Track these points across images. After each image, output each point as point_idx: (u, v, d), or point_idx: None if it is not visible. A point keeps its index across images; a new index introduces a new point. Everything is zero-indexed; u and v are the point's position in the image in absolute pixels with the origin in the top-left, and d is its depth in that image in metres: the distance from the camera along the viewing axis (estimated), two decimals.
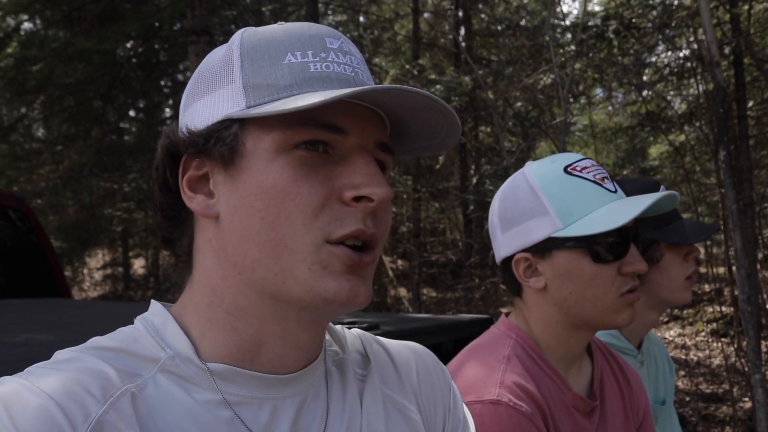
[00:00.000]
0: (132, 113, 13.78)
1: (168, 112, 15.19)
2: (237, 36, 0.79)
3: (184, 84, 12.63)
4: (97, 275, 16.85)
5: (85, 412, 0.64)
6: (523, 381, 1.26)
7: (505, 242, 1.36)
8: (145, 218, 14.86)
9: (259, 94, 0.73)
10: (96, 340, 0.75)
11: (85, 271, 16.53)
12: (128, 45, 10.95)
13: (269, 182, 0.71)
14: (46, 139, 12.66)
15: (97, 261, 17.12)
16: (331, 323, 0.89)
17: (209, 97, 0.77)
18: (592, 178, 1.30)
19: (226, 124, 0.74)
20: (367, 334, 0.94)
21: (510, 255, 1.35)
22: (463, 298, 11.25)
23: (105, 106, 10.11)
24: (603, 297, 1.28)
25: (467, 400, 1.18)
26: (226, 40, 0.82)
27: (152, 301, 0.82)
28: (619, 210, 1.25)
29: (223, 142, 0.73)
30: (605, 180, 1.32)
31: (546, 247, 1.30)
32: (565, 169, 1.31)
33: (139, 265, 17.59)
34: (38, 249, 4.91)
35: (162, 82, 12.84)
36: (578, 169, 1.31)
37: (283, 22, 0.81)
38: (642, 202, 1.25)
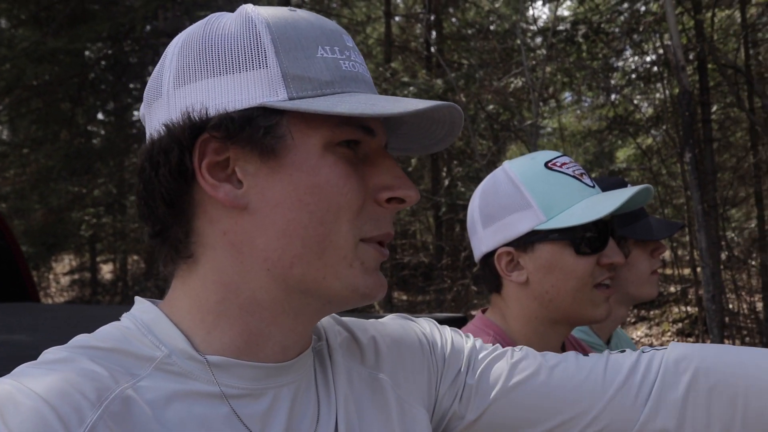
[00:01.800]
0: (101, 116, 13.60)
1: (137, 115, 15.02)
2: (255, 15, 0.74)
3: None
4: (64, 280, 16.56)
5: (80, 416, 0.62)
6: None
7: (486, 237, 1.37)
8: (113, 223, 14.68)
9: (301, 86, 0.70)
10: (85, 340, 0.71)
11: (51, 276, 16.24)
12: (97, 46, 10.81)
13: (323, 177, 0.71)
14: (12, 142, 12.42)
15: (63, 266, 16.82)
16: None
17: (234, 77, 0.71)
18: (572, 173, 1.33)
19: (261, 112, 0.70)
20: (330, 316, 0.92)
21: (492, 250, 1.36)
22: (434, 300, 11.31)
23: (74, 108, 9.96)
24: (582, 288, 1.30)
25: None
26: None
27: (137, 297, 0.79)
28: (600, 202, 1.27)
29: (269, 132, 0.70)
30: (583, 175, 1.35)
31: (529, 240, 1.31)
32: (546, 165, 1.33)
33: (107, 270, 17.33)
34: (7, 253, 4.85)
35: (132, 85, 12.69)
36: (558, 164, 1.33)
37: (293, 9, 0.77)
38: (622, 195, 1.28)
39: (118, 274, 16.52)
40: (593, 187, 1.34)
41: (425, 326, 0.97)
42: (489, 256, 1.38)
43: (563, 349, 1.52)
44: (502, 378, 0.91)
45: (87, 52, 10.97)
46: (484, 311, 1.47)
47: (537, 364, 0.92)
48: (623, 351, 0.93)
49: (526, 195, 1.31)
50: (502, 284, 1.38)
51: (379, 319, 0.97)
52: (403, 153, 0.86)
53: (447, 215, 10.72)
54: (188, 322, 0.74)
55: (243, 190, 0.71)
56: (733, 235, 10.22)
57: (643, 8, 9.73)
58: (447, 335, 0.97)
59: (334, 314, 0.91)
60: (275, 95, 0.70)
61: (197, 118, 0.70)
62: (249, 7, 0.76)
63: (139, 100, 14.34)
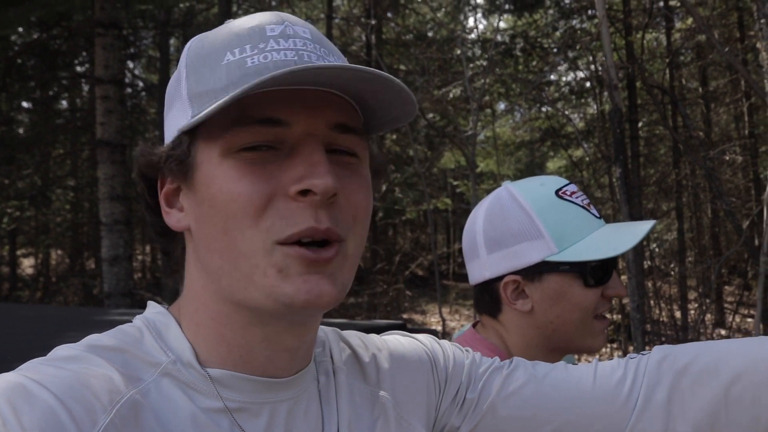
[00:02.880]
0: (26, 104, 13.03)
1: (65, 104, 14.47)
2: (188, 45, 0.77)
3: (84, 76, 12.10)
4: None
5: (93, 419, 0.62)
6: None
7: (491, 263, 1.33)
8: (37, 215, 14.07)
9: (201, 102, 0.70)
10: (96, 339, 0.72)
11: None
12: (23, 31, 10.35)
13: (216, 187, 0.68)
14: None
15: None
16: None
17: (169, 114, 0.76)
18: (581, 203, 1.31)
19: (180, 139, 0.72)
20: (333, 330, 0.91)
21: (497, 276, 1.32)
22: (366, 303, 11.36)
23: None
24: (584, 320, 1.29)
25: None
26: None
27: (150, 302, 0.80)
28: (614, 237, 1.26)
29: (177, 159, 0.72)
30: (590, 205, 1.33)
31: (537, 271, 1.28)
32: (557, 193, 1.31)
33: (27, 265, 16.61)
34: None
35: (60, 74, 12.21)
36: (568, 193, 1.32)
37: (230, 20, 0.77)
38: (638, 231, 1.27)
39: (40, 269, 15.86)
40: (599, 218, 1.34)
41: (426, 342, 0.97)
42: (491, 282, 1.34)
43: None
44: (495, 390, 0.91)
45: (13, 37, 10.49)
46: (474, 325, 1.45)
47: (528, 375, 0.93)
48: (611, 358, 0.95)
49: (538, 224, 1.28)
50: (502, 310, 1.35)
51: (382, 335, 0.97)
52: (386, 128, 0.81)
53: (383, 221, 10.80)
54: (188, 331, 0.75)
55: (184, 213, 0.74)
56: (655, 246, 10.70)
57: (579, 27, 10.09)
58: (448, 351, 0.96)
59: (337, 330, 0.92)
60: (186, 118, 0.71)
61: (142, 160, 0.76)
62: (195, 37, 0.79)
63: (67, 89, 13.86)
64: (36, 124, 12.29)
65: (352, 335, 0.93)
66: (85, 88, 13.85)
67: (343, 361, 0.86)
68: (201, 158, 0.71)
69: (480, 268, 1.36)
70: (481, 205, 1.40)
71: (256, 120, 0.67)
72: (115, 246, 7.62)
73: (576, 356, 2.18)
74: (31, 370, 0.64)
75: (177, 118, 0.73)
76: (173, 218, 0.75)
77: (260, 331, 0.73)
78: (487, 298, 1.36)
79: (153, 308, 0.79)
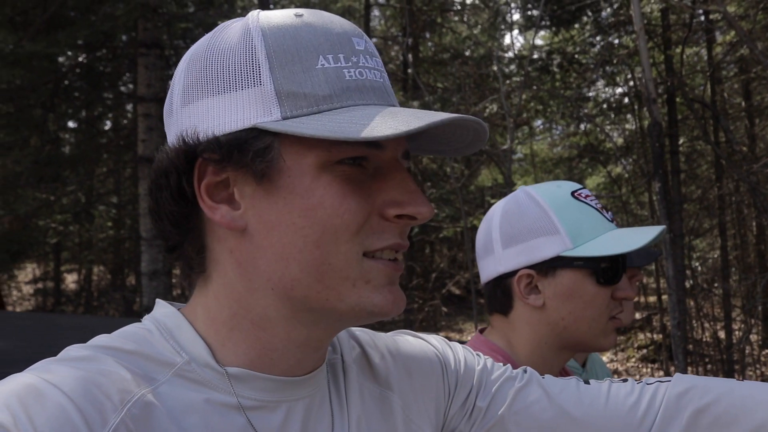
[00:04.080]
0: (72, 124, 13.42)
1: (108, 124, 14.86)
2: (254, 25, 0.71)
3: (128, 96, 12.43)
4: (26, 289, 16.18)
5: (103, 418, 0.62)
6: None
7: (505, 258, 1.35)
8: (80, 231, 14.43)
9: (296, 104, 0.67)
10: (107, 340, 0.70)
11: (13, 284, 15.86)
12: (71, 54, 10.68)
13: (315, 200, 0.67)
14: None
15: (26, 274, 16.45)
16: None
17: (229, 96, 0.69)
18: (595, 206, 1.35)
19: (255, 133, 0.67)
20: (344, 331, 0.90)
21: (510, 271, 1.35)
22: (404, 320, 11.32)
23: (46, 114, 9.81)
24: (598, 318, 1.31)
25: None
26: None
27: (158, 300, 0.78)
28: (627, 237, 1.30)
29: (260, 156, 0.68)
30: (603, 209, 1.38)
31: (552, 266, 1.31)
32: (572, 194, 1.35)
33: (71, 280, 17.00)
34: None
35: (105, 94, 12.56)
36: (582, 195, 1.35)
37: (300, 12, 0.74)
38: (648, 232, 1.32)
39: (83, 284, 16.21)
40: (612, 221, 1.37)
41: (437, 344, 0.96)
42: (505, 277, 1.36)
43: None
44: (507, 401, 0.90)
45: (61, 59, 10.84)
46: (482, 331, 1.45)
47: (541, 391, 0.92)
48: (625, 380, 0.94)
49: (554, 220, 1.31)
50: (513, 307, 1.37)
51: (391, 335, 0.96)
52: (435, 154, 0.83)
53: (419, 236, 10.78)
54: (207, 331, 0.73)
55: (241, 211, 0.70)
56: (697, 264, 10.46)
57: (616, 42, 10.00)
58: (459, 354, 0.96)
59: (348, 328, 0.90)
60: (269, 115, 0.67)
61: (190, 141, 0.69)
62: (252, 16, 0.73)
63: (111, 109, 14.24)
64: (81, 143, 12.64)
65: (362, 333, 0.92)
66: (129, 108, 14.21)
67: (353, 359, 0.86)
68: (290, 163, 0.68)
69: (494, 264, 1.38)
70: (497, 205, 1.43)
71: (363, 141, 0.68)
72: (154, 260, 7.77)
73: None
74: (42, 370, 0.64)
75: (248, 107, 0.68)
76: (222, 214, 0.70)
77: (305, 334, 0.73)
78: (499, 294, 1.38)
79: (162, 308, 0.76)
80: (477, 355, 0.97)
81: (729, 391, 0.88)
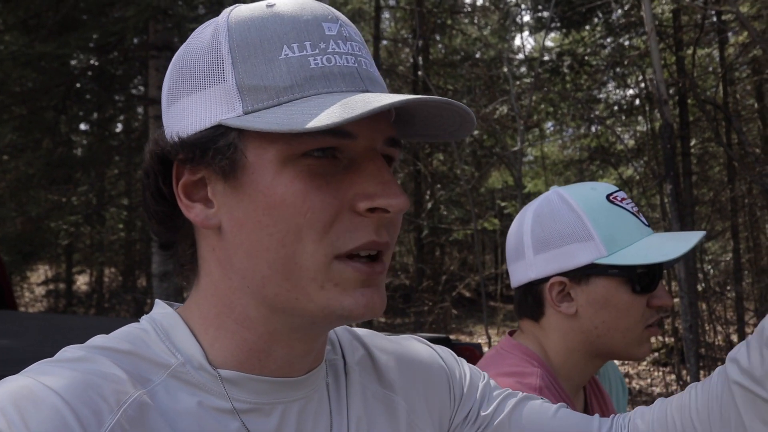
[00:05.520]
0: (84, 126, 13.50)
1: (120, 126, 14.94)
2: (222, 23, 0.70)
3: (139, 98, 12.50)
4: (38, 290, 16.30)
5: (99, 420, 0.61)
6: None
7: (537, 264, 1.32)
8: (91, 233, 14.51)
9: (257, 97, 0.66)
10: (103, 340, 0.70)
11: (25, 285, 15.98)
12: (82, 57, 10.76)
13: (278, 196, 0.65)
14: None
15: (38, 276, 16.57)
16: None
17: (196, 95, 0.69)
18: (631, 210, 1.30)
19: (221, 130, 0.67)
20: (345, 328, 0.90)
21: (542, 277, 1.31)
22: (414, 322, 11.31)
23: (58, 117, 9.88)
24: (633, 328, 1.28)
25: None
26: None
27: (157, 300, 0.77)
28: (664, 244, 1.25)
29: (221, 153, 0.67)
30: (639, 213, 1.32)
31: (585, 273, 1.27)
32: (608, 198, 1.30)
33: (82, 282, 17.10)
34: None
35: (116, 97, 12.64)
36: (618, 199, 1.31)
37: (272, 2, 0.71)
38: (689, 239, 1.26)
39: (94, 286, 16.31)
40: (648, 226, 1.32)
41: (444, 355, 0.95)
42: (536, 284, 1.33)
43: None
44: (507, 410, 0.93)
45: (73, 62, 10.92)
46: (511, 334, 1.42)
47: (540, 404, 0.96)
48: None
49: (588, 226, 1.27)
50: (545, 314, 1.33)
51: (397, 338, 0.95)
52: (428, 139, 0.81)
53: (428, 238, 10.76)
54: (199, 331, 0.73)
55: (214, 209, 0.69)
56: (709, 267, 10.39)
57: (627, 43, 9.96)
58: (465, 367, 0.96)
59: (351, 329, 0.90)
60: (232, 110, 0.66)
61: (161, 143, 0.70)
62: (225, 12, 0.72)
63: (123, 111, 14.31)
64: (92, 145, 12.72)
65: (367, 334, 0.91)
66: (140, 110, 14.29)
67: (356, 361, 0.85)
68: (253, 159, 0.66)
69: (525, 269, 1.34)
70: (528, 207, 1.38)
71: (329, 131, 0.65)
72: (165, 262, 7.79)
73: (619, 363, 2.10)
74: (37, 372, 0.64)
75: (212, 104, 0.68)
76: (196, 213, 0.70)
77: (287, 336, 0.72)
78: (530, 300, 1.34)
79: (160, 308, 0.76)
80: (480, 371, 0.98)
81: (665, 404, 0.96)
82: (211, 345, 0.72)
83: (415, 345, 0.94)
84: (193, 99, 0.69)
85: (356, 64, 0.69)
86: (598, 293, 1.27)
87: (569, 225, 1.28)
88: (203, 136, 0.67)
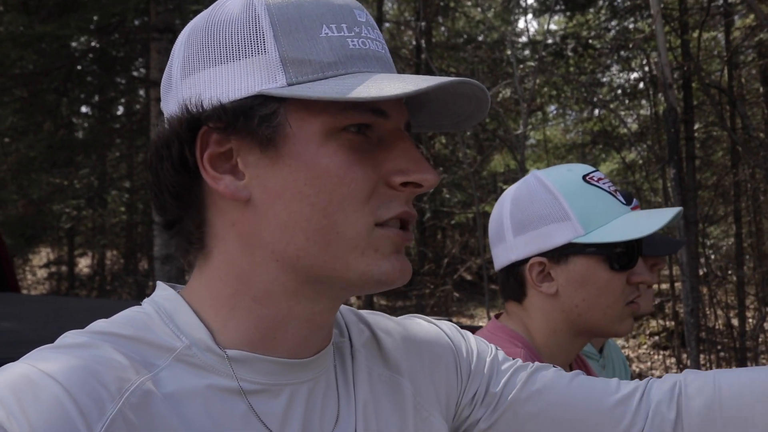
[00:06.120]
0: (85, 109, 13.47)
1: (121, 109, 14.90)
2: None
3: (140, 80, 12.44)
4: (41, 273, 16.36)
5: (100, 409, 0.60)
6: None
7: (517, 246, 1.34)
8: (93, 216, 14.53)
9: (301, 70, 0.67)
10: (105, 325, 0.69)
11: (28, 268, 16.03)
12: (83, 39, 10.71)
13: (322, 167, 0.67)
14: None
15: (40, 258, 16.62)
16: None
17: (233, 65, 0.69)
18: (608, 189, 1.33)
19: (260, 100, 0.67)
20: (350, 309, 0.90)
21: (522, 259, 1.34)
22: (415, 305, 11.34)
23: (59, 99, 9.85)
24: (613, 305, 1.30)
25: None
26: None
27: (159, 282, 0.76)
28: (639, 221, 1.27)
29: (265, 121, 0.67)
30: (617, 192, 1.34)
31: (563, 253, 1.30)
32: (584, 178, 1.33)
33: (84, 264, 17.15)
34: None
35: (118, 79, 12.59)
36: (595, 179, 1.33)
37: None
38: (663, 215, 1.28)
39: (96, 268, 16.36)
40: (626, 204, 1.34)
41: (449, 332, 0.95)
42: (517, 265, 1.35)
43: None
44: (518, 386, 0.91)
45: (74, 44, 10.86)
46: (497, 317, 1.44)
47: (552, 376, 0.94)
48: (664, 366, 0.98)
49: (564, 206, 1.29)
50: (527, 294, 1.36)
51: (402, 319, 0.95)
52: (434, 129, 0.83)
53: (431, 221, 10.76)
54: (207, 313, 0.72)
55: (245, 181, 0.69)
56: (711, 251, 10.39)
57: (631, 26, 9.88)
58: (471, 343, 0.95)
59: (356, 311, 0.90)
60: (274, 81, 0.67)
61: (194, 110, 0.69)
62: None
63: (124, 93, 14.27)
64: (94, 128, 12.69)
65: (372, 315, 0.91)
66: (141, 93, 14.24)
67: (362, 343, 0.85)
68: (296, 130, 0.67)
69: (506, 252, 1.37)
70: (508, 191, 1.41)
71: (369, 108, 0.68)
72: (167, 245, 7.79)
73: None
74: (38, 359, 0.63)
75: (252, 74, 0.68)
76: (226, 184, 0.69)
77: (308, 308, 0.72)
78: (512, 282, 1.37)
79: (162, 291, 0.75)
80: (487, 344, 0.97)
81: (712, 377, 0.92)
82: (224, 325, 0.71)
83: (420, 324, 0.94)
84: (228, 68, 0.69)
85: (384, 51, 0.73)
86: (576, 272, 1.30)
87: (546, 206, 1.31)
88: (243, 103, 0.67)
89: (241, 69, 0.68)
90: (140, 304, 0.74)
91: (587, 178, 1.33)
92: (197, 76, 0.70)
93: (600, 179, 1.34)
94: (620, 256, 1.29)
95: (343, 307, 0.88)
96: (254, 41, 0.69)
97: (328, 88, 0.65)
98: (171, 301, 0.73)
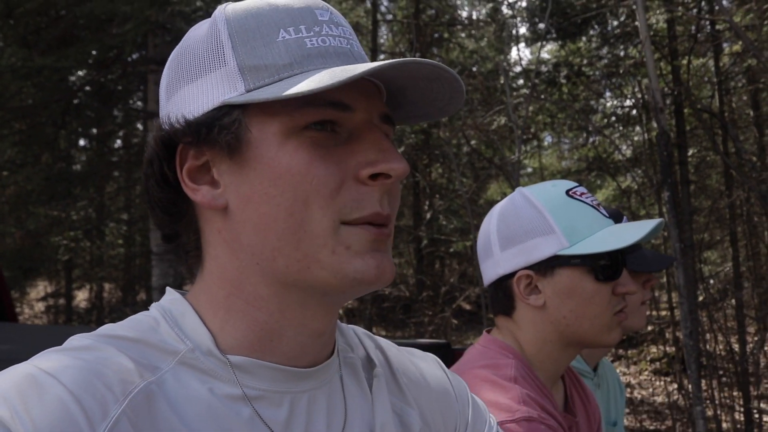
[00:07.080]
0: (83, 142, 13.53)
1: (119, 142, 14.97)
2: (219, 14, 0.74)
3: (138, 113, 12.54)
4: (38, 306, 16.26)
5: (104, 410, 0.61)
6: (539, 398, 1.28)
7: (504, 260, 1.38)
8: (91, 248, 14.50)
9: (258, 76, 0.69)
10: (111, 328, 0.71)
11: (25, 301, 15.94)
12: (82, 73, 10.81)
13: (283, 167, 0.68)
14: None
15: (37, 292, 16.54)
16: (341, 323, 0.88)
17: (200, 81, 0.72)
18: (591, 203, 1.37)
19: (225, 110, 0.70)
20: (367, 333, 0.91)
21: (509, 272, 1.37)
22: (414, 334, 11.28)
23: (57, 132, 9.91)
24: (600, 315, 1.33)
25: (499, 420, 1.16)
26: None
27: (168, 288, 0.78)
28: (623, 232, 1.31)
29: (226, 130, 0.69)
30: (600, 206, 1.39)
31: (550, 265, 1.33)
32: (567, 193, 1.37)
33: (81, 297, 17.07)
34: None
35: (115, 112, 12.68)
36: (578, 193, 1.37)
37: None
38: (644, 227, 1.32)
39: (94, 301, 16.27)
40: (609, 218, 1.38)
41: (459, 391, 0.97)
42: (505, 279, 1.38)
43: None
44: None
45: (72, 78, 10.96)
46: (488, 331, 1.47)
47: None
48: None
49: (549, 220, 1.33)
50: (515, 307, 1.39)
51: (420, 354, 0.96)
52: (424, 119, 0.84)
53: (428, 249, 10.75)
54: (208, 317, 0.73)
55: (220, 190, 0.71)
56: (708, 276, 10.38)
57: (622, 53, 10.01)
58: (478, 402, 0.98)
59: (372, 336, 0.91)
60: (234, 90, 0.69)
61: (167, 128, 0.73)
62: (220, 7, 0.76)
63: (122, 126, 14.36)
64: (92, 161, 12.74)
65: (386, 345, 0.92)
66: (139, 126, 14.33)
67: (380, 368, 0.86)
68: (257, 133, 0.69)
69: (494, 267, 1.40)
70: (495, 208, 1.46)
71: (328, 102, 0.69)
72: (164, 275, 7.79)
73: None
74: (43, 361, 0.64)
75: (216, 87, 0.71)
76: (203, 194, 0.72)
77: (299, 314, 0.73)
78: (501, 296, 1.40)
79: (169, 295, 0.77)
80: (487, 416, 0.99)
81: None
82: (221, 329, 0.73)
83: (434, 366, 0.96)
84: (196, 85, 0.73)
85: (349, 46, 0.74)
86: (563, 283, 1.33)
87: (531, 221, 1.35)
88: (208, 116, 0.70)
89: (207, 84, 0.72)
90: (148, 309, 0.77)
91: (570, 192, 1.37)
92: (175, 98, 0.74)
93: (583, 194, 1.38)
94: (604, 267, 1.32)
95: (356, 327, 0.91)
96: (216, 55, 0.72)
97: (277, 89, 0.67)
98: (177, 304, 0.75)
